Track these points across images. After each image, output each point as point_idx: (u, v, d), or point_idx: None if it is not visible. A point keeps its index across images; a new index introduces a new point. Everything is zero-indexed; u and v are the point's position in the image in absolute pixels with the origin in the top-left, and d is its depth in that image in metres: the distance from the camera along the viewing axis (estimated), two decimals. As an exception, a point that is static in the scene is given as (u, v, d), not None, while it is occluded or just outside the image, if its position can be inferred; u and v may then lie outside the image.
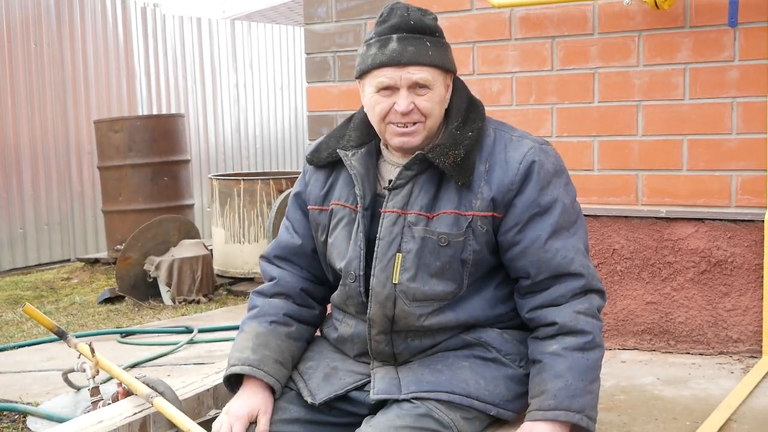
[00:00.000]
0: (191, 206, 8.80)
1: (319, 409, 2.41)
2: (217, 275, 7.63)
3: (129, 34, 10.58)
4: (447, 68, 2.35)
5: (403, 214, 2.34)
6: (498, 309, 2.42)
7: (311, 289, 2.59)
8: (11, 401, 4.29)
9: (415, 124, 2.31)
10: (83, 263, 8.91)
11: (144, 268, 7.12)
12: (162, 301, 7.04)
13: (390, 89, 2.29)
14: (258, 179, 7.65)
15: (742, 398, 3.12)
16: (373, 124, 2.39)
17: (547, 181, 2.35)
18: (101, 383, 3.73)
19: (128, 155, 8.30)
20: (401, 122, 2.30)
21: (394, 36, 2.30)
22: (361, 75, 2.36)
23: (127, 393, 2.74)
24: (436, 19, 2.38)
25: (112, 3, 10.34)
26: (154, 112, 10.74)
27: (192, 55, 11.46)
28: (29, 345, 5.62)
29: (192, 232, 7.64)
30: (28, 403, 4.20)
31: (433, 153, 2.31)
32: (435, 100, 2.31)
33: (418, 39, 2.30)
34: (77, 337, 4.69)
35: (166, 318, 6.49)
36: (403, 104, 2.28)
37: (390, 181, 2.38)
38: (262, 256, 2.67)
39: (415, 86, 2.29)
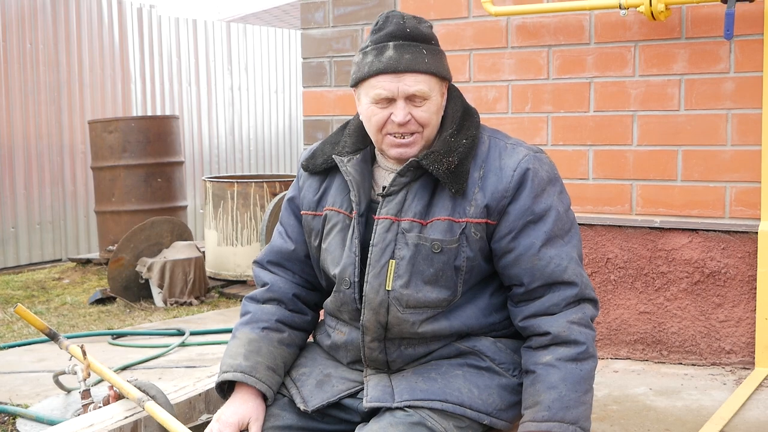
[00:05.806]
0: (184, 208, 8.79)
1: (312, 416, 2.40)
2: (210, 278, 7.62)
3: (125, 35, 10.56)
4: (443, 76, 2.35)
5: (396, 220, 2.34)
6: (492, 317, 2.42)
7: (304, 294, 2.59)
8: (1, 402, 4.27)
9: (412, 134, 2.31)
10: (75, 263, 8.89)
11: (136, 269, 7.10)
12: (153, 303, 7.03)
13: (387, 100, 2.29)
14: (252, 182, 7.64)
15: (735, 410, 3.13)
16: (369, 134, 2.39)
17: (542, 189, 2.34)
18: (92, 386, 3.72)
19: (122, 156, 8.30)
20: (398, 132, 2.30)
21: (391, 44, 2.30)
22: (358, 83, 2.36)
23: (119, 396, 2.73)
24: (431, 27, 2.39)
25: (108, 3, 10.31)
26: (149, 114, 10.72)
27: (187, 56, 11.45)
28: (20, 345, 5.59)
29: (185, 234, 7.63)
30: (17, 405, 4.18)
31: (428, 160, 2.31)
32: (432, 110, 2.32)
33: (415, 46, 2.30)
34: (68, 338, 4.68)
35: (158, 320, 6.47)
36: (400, 115, 2.28)
37: (384, 188, 2.38)
38: (255, 262, 2.67)
39: (413, 97, 2.29)
